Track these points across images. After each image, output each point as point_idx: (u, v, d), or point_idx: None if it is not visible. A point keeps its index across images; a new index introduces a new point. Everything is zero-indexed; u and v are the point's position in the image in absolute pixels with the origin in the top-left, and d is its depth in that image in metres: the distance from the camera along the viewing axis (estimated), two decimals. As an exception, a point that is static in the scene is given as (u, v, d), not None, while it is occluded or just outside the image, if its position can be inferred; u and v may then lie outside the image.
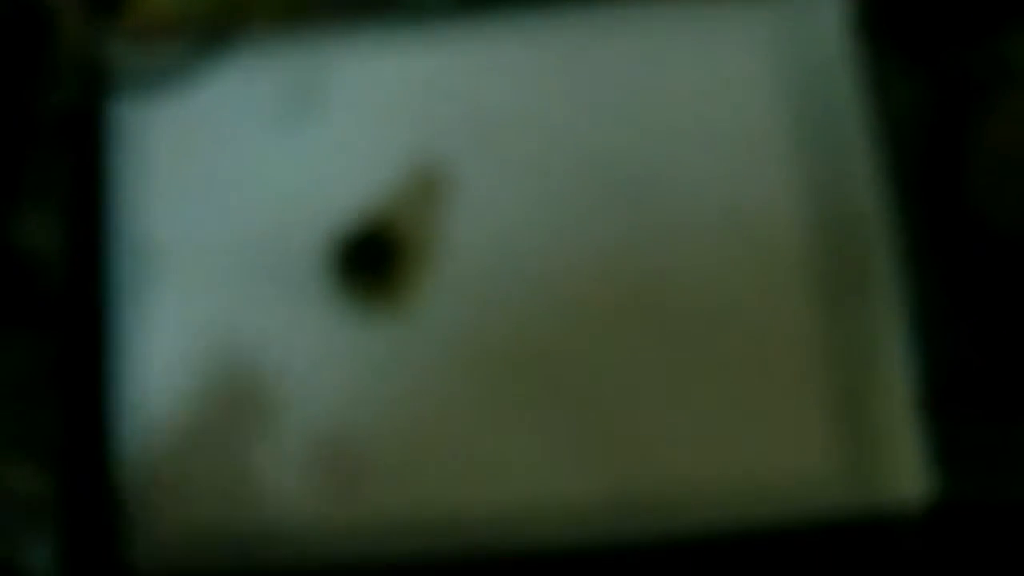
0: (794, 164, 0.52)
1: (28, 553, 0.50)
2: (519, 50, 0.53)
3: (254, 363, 0.50)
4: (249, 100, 0.53)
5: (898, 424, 0.49)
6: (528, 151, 0.52)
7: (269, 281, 0.51)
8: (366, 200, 0.52)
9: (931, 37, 0.53)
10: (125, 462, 0.50)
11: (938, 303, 0.51)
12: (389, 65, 0.53)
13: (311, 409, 0.50)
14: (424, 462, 0.49)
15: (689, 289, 0.50)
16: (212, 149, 0.52)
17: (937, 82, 0.53)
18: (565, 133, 0.52)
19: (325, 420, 0.50)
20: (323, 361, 0.50)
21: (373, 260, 0.51)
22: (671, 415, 0.50)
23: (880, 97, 0.52)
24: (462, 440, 0.49)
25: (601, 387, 0.50)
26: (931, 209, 0.52)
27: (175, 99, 0.53)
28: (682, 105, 0.52)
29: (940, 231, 0.51)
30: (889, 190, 0.51)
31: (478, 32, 0.53)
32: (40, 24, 0.54)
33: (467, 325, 0.50)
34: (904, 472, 0.49)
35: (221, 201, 0.52)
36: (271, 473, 0.49)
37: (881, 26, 0.53)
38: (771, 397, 0.49)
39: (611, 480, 0.49)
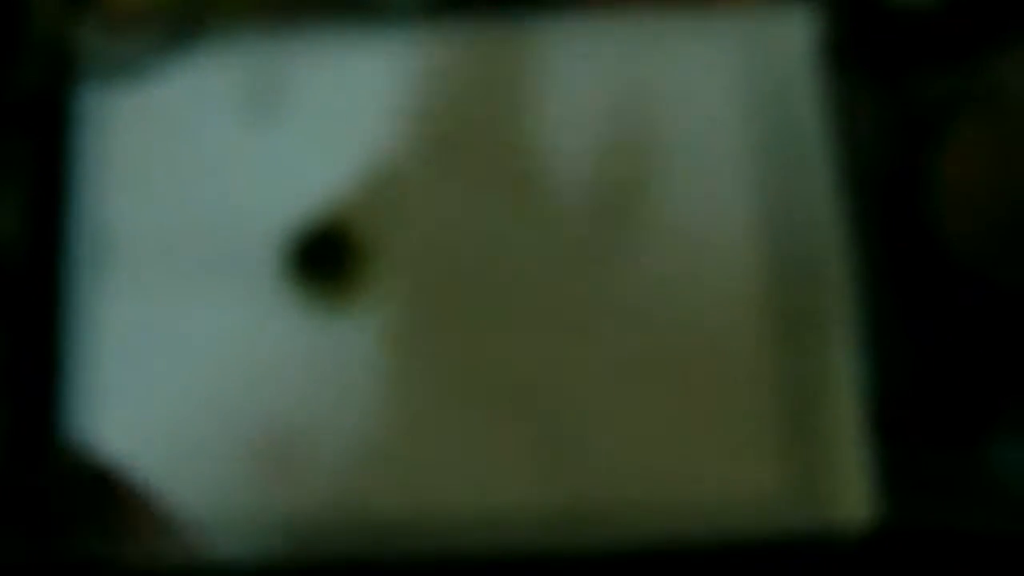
0: (753, 183, 0.52)
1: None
2: (484, 55, 0.53)
3: (203, 355, 0.50)
4: (214, 94, 0.53)
5: (845, 446, 0.49)
6: (488, 157, 0.52)
7: (224, 275, 0.51)
8: (324, 199, 0.52)
9: (897, 62, 0.53)
10: (73, 450, 0.50)
11: (892, 328, 0.51)
12: (354, 65, 0.53)
13: (255, 398, 0.50)
14: (367, 461, 0.49)
15: (642, 303, 0.51)
16: (174, 141, 0.52)
17: (901, 107, 0.53)
18: (525, 140, 0.52)
19: (268, 413, 0.50)
20: (272, 355, 0.50)
21: (328, 259, 0.51)
22: (620, 428, 0.50)
23: (843, 119, 0.52)
24: (407, 441, 0.49)
25: (551, 398, 0.50)
26: (888, 235, 0.52)
27: (140, 89, 0.53)
28: (642, 117, 0.53)
29: (896, 257, 0.51)
30: (847, 213, 0.51)
31: (445, 35, 0.54)
32: (11, 5, 0.54)
33: (420, 328, 0.51)
34: (849, 494, 0.49)
35: (181, 193, 0.52)
36: (211, 462, 0.49)
37: (848, 48, 0.53)
38: (721, 414, 0.49)
39: (557, 490, 0.49)
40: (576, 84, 0.53)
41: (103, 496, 0.49)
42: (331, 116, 0.53)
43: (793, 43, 0.53)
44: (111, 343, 0.51)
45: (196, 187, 0.52)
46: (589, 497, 0.49)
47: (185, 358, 0.50)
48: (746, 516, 0.48)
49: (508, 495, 0.49)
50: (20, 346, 0.52)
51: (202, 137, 0.52)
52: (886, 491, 0.49)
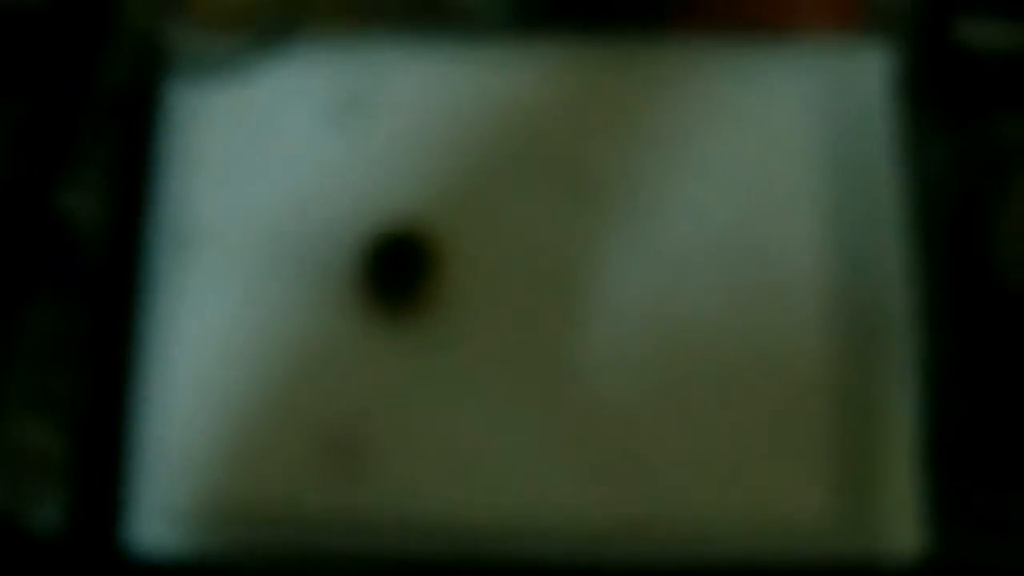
0: (820, 214, 0.52)
1: (35, 510, 0.51)
2: (568, 74, 0.54)
3: (277, 353, 0.52)
4: (302, 96, 0.54)
5: (898, 478, 0.50)
6: (566, 173, 0.53)
7: (301, 275, 0.52)
8: (404, 206, 0.53)
9: (971, 103, 0.54)
10: (142, 435, 0.51)
11: (952, 364, 0.51)
12: (440, 75, 0.54)
13: (325, 399, 0.51)
14: (430, 464, 0.50)
15: (704, 324, 0.51)
16: (260, 140, 0.54)
17: (972, 149, 0.53)
18: (603, 159, 0.53)
19: (337, 411, 0.51)
20: (342, 355, 0.51)
21: (403, 266, 0.52)
22: (674, 445, 0.50)
23: (913, 156, 0.53)
24: (469, 446, 0.50)
25: (611, 413, 0.51)
26: (954, 272, 0.52)
27: (230, 88, 0.54)
28: (716, 146, 0.54)
29: (960, 295, 0.52)
30: (913, 250, 0.52)
31: (531, 51, 0.55)
32: None
33: (491, 339, 0.52)
34: (899, 525, 0.49)
35: (263, 193, 0.53)
36: (282, 460, 0.50)
37: (923, 86, 0.54)
38: (776, 438, 0.50)
39: (610, 504, 0.50)
40: (654, 108, 0.54)
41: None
42: (415, 124, 0.54)
43: (868, 78, 0.53)
44: (187, 336, 0.52)
45: (279, 187, 0.53)
46: (640, 513, 0.50)
47: (260, 356, 0.51)
48: (794, 541, 0.49)
49: (566, 506, 0.50)
50: (97, 328, 0.53)
51: (288, 138, 0.54)
52: (935, 524, 0.49)
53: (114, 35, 0.55)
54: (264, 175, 0.53)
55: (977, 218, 0.53)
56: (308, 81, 0.54)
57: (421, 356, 0.51)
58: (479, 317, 0.52)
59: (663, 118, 0.54)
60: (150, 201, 0.53)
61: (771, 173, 0.53)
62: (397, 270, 0.52)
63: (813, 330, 0.51)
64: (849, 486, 0.50)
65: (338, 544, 0.49)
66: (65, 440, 0.52)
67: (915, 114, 0.53)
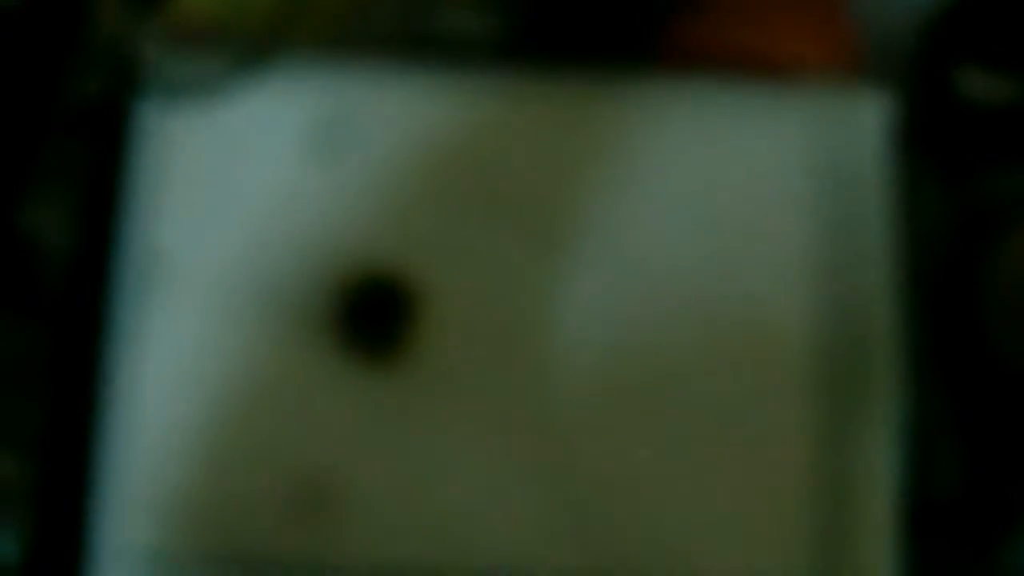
0: (810, 265, 0.51)
1: (-6, 540, 0.50)
2: (552, 110, 0.53)
3: (246, 393, 0.50)
4: (280, 124, 0.52)
5: (875, 544, 0.49)
6: (540, 213, 0.52)
7: (273, 313, 0.51)
8: (381, 244, 0.51)
9: (967, 155, 0.53)
10: (107, 472, 0.50)
11: (936, 425, 0.51)
12: (423, 107, 0.52)
13: (296, 443, 0.50)
14: (408, 513, 0.49)
15: (688, 377, 0.50)
16: (234, 169, 0.52)
17: (966, 201, 0.52)
18: (585, 202, 0.52)
19: (308, 456, 0.50)
20: (317, 400, 0.50)
21: (379, 308, 0.50)
22: (649, 496, 0.50)
23: (907, 207, 0.52)
24: (448, 496, 0.49)
25: (589, 463, 0.50)
26: (942, 333, 0.52)
27: (205, 110, 0.52)
28: (702, 188, 0.52)
29: (948, 356, 0.51)
30: (902, 308, 0.51)
31: (516, 85, 0.53)
32: (77, 8, 0.53)
33: (467, 385, 0.50)
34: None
35: (236, 224, 0.51)
36: (250, 504, 0.49)
37: (918, 136, 0.53)
38: (753, 499, 0.49)
39: (583, 556, 0.49)
40: (639, 150, 0.52)
41: None
42: (394, 156, 0.52)
43: (865, 125, 0.52)
44: (154, 373, 0.50)
45: (253, 219, 0.51)
46: (615, 563, 0.49)
47: (229, 397, 0.50)
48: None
49: (541, 556, 0.49)
50: (61, 353, 0.51)
51: (263, 167, 0.52)
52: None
53: (84, 49, 0.53)
54: (238, 205, 0.52)
55: (968, 274, 0.52)
56: (286, 108, 0.52)
57: (395, 401, 0.50)
58: (454, 361, 0.51)
59: (649, 158, 0.52)
60: (118, 226, 0.52)
61: (759, 218, 0.52)
62: (373, 314, 0.50)
63: (795, 385, 0.50)
64: (825, 551, 0.49)
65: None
66: (27, 471, 0.50)
67: (911, 164, 0.52)
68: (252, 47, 0.52)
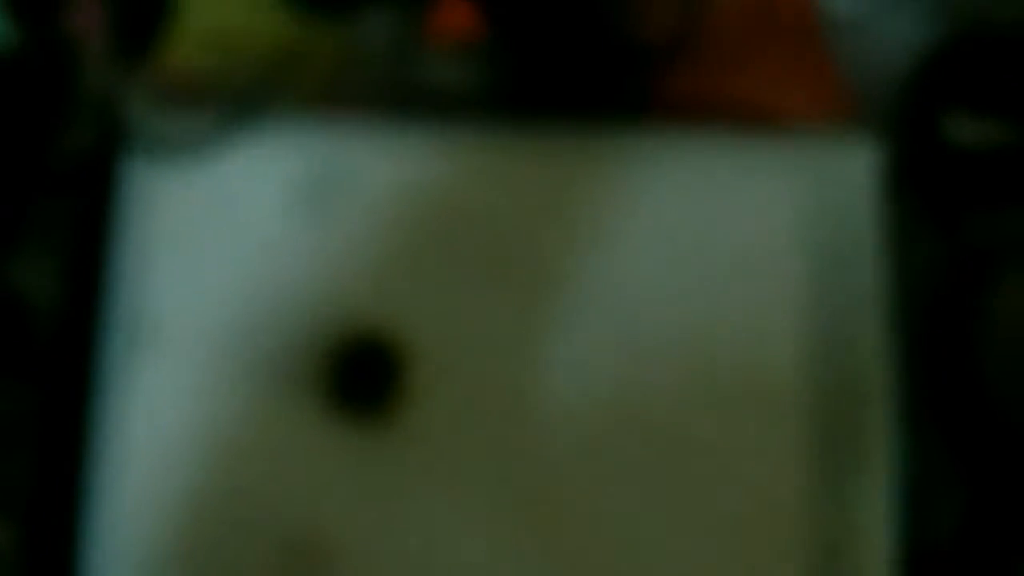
0: (802, 313, 0.51)
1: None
2: (540, 165, 0.53)
3: (233, 455, 0.49)
4: (267, 182, 0.52)
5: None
6: (530, 270, 0.51)
7: (257, 372, 0.50)
8: (367, 303, 0.51)
9: (956, 199, 0.53)
10: (94, 536, 0.49)
11: (934, 471, 0.50)
12: (412, 164, 0.52)
13: (284, 508, 0.49)
14: (394, 573, 0.49)
15: (680, 430, 0.50)
16: (221, 226, 0.51)
17: (956, 245, 0.52)
18: (569, 255, 0.52)
19: (297, 521, 0.49)
20: (305, 461, 0.49)
21: (369, 371, 0.50)
22: (644, 550, 0.49)
23: (898, 251, 0.52)
24: (439, 558, 0.49)
25: (582, 522, 0.49)
26: (937, 377, 0.51)
27: (192, 167, 0.52)
28: (695, 236, 0.52)
29: (944, 401, 0.51)
30: (895, 351, 0.51)
31: (505, 139, 0.53)
32: (64, 64, 0.53)
33: (457, 444, 0.50)
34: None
35: (223, 282, 0.51)
36: (239, 568, 0.48)
37: (908, 182, 0.53)
38: (749, 555, 0.49)
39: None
40: (631, 203, 0.52)
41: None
42: (382, 215, 0.52)
43: (854, 173, 0.52)
44: (142, 435, 0.49)
45: (239, 277, 0.51)
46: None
47: (218, 459, 0.49)
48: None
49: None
50: (48, 414, 0.51)
51: (250, 225, 0.51)
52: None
53: (72, 105, 0.52)
54: (225, 263, 0.51)
55: (962, 318, 0.52)
56: (273, 164, 0.52)
57: (383, 461, 0.50)
58: (443, 420, 0.50)
59: (640, 209, 0.52)
60: (105, 284, 0.51)
61: (751, 265, 0.52)
62: (362, 375, 0.50)
63: (789, 433, 0.50)
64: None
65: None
66: (16, 536, 0.50)
67: (901, 209, 0.52)
68: (240, 103, 0.52)
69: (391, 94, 0.53)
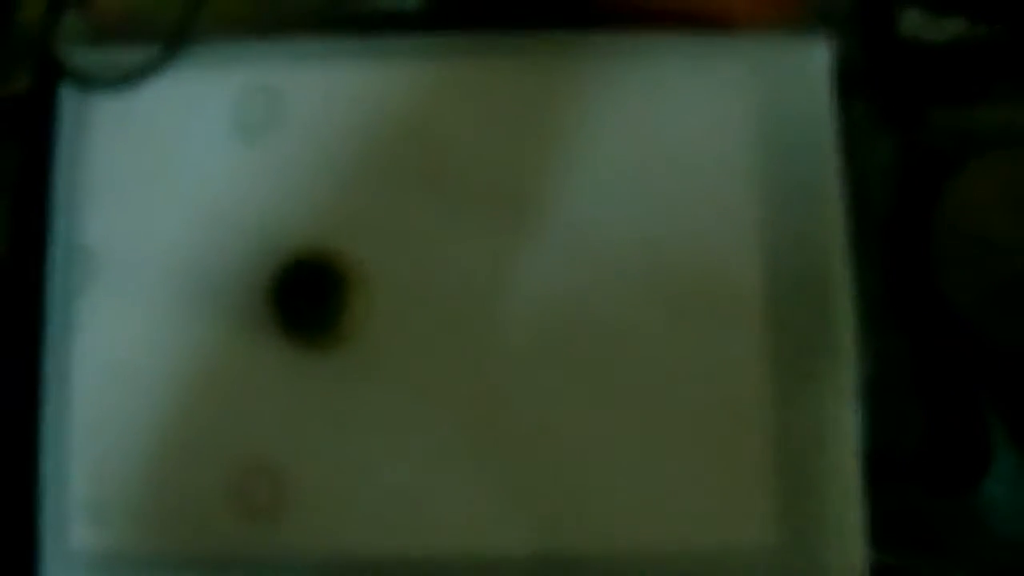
0: (760, 213, 0.50)
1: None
2: (488, 74, 0.51)
3: (182, 384, 0.49)
4: (203, 107, 0.51)
5: (841, 495, 0.48)
6: (479, 184, 0.50)
7: (204, 299, 0.49)
8: (313, 223, 0.50)
9: (909, 94, 0.52)
10: (46, 476, 0.48)
11: (890, 375, 0.50)
12: (351, 80, 0.51)
13: (237, 435, 0.49)
14: (349, 499, 0.48)
15: (639, 343, 0.49)
16: (159, 154, 0.50)
17: (911, 139, 0.51)
18: (520, 166, 0.51)
19: (250, 447, 0.48)
20: (253, 387, 0.49)
21: (316, 294, 0.49)
22: (609, 474, 0.48)
23: (854, 147, 0.51)
24: (393, 482, 0.48)
25: (539, 440, 0.49)
26: (891, 278, 0.50)
27: (127, 98, 0.51)
28: (652, 141, 0.51)
29: (899, 300, 0.50)
30: (852, 254, 0.50)
31: (447, 52, 0.51)
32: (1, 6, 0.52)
33: (405, 364, 0.49)
34: (844, 543, 0.48)
35: (165, 211, 0.50)
36: (192, 499, 0.48)
37: (861, 77, 0.51)
38: (718, 463, 0.48)
39: (541, 534, 0.48)
40: (585, 108, 0.51)
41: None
42: (324, 132, 0.51)
43: (809, 71, 0.51)
44: (88, 369, 0.49)
45: (181, 205, 0.50)
46: (583, 545, 0.48)
47: (165, 391, 0.49)
48: (741, 565, 0.48)
49: (500, 539, 0.48)
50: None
51: (188, 152, 0.50)
52: (880, 538, 0.48)
53: (8, 45, 0.52)
54: (166, 191, 0.50)
55: (914, 220, 0.51)
56: (211, 89, 0.51)
57: (336, 387, 0.49)
58: (395, 344, 0.49)
59: (593, 111, 0.51)
60: (48, 219, 0.50)
61: (708, 165, 0.50)
62: (309, 297, 0.49)
63: (752, 348, 0.49)
64: (793, 507, 0.48)
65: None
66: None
67: (857, 106, 0.51)
68: (173, 31, 0.51)
69: (330, 15, 0.52)
